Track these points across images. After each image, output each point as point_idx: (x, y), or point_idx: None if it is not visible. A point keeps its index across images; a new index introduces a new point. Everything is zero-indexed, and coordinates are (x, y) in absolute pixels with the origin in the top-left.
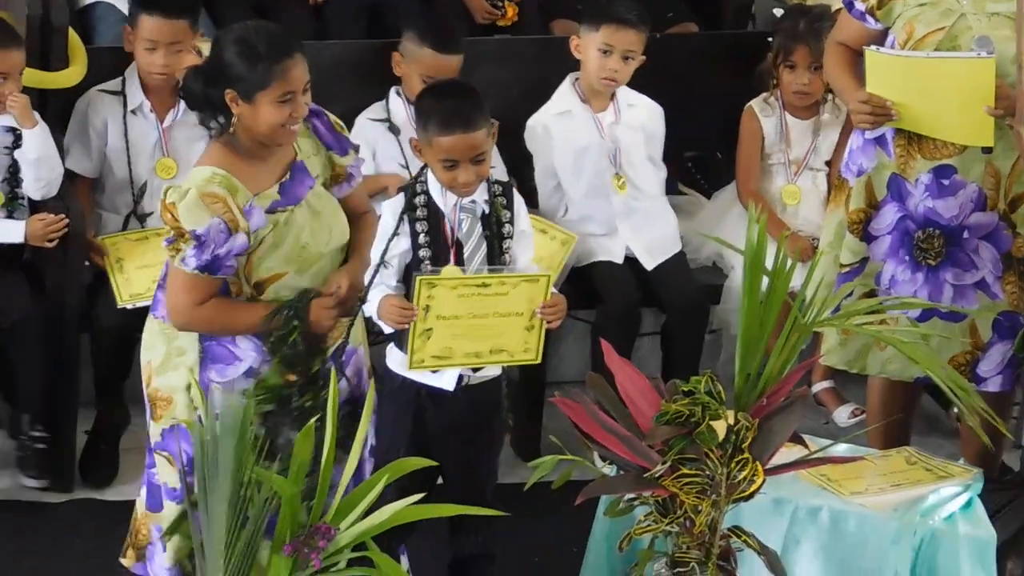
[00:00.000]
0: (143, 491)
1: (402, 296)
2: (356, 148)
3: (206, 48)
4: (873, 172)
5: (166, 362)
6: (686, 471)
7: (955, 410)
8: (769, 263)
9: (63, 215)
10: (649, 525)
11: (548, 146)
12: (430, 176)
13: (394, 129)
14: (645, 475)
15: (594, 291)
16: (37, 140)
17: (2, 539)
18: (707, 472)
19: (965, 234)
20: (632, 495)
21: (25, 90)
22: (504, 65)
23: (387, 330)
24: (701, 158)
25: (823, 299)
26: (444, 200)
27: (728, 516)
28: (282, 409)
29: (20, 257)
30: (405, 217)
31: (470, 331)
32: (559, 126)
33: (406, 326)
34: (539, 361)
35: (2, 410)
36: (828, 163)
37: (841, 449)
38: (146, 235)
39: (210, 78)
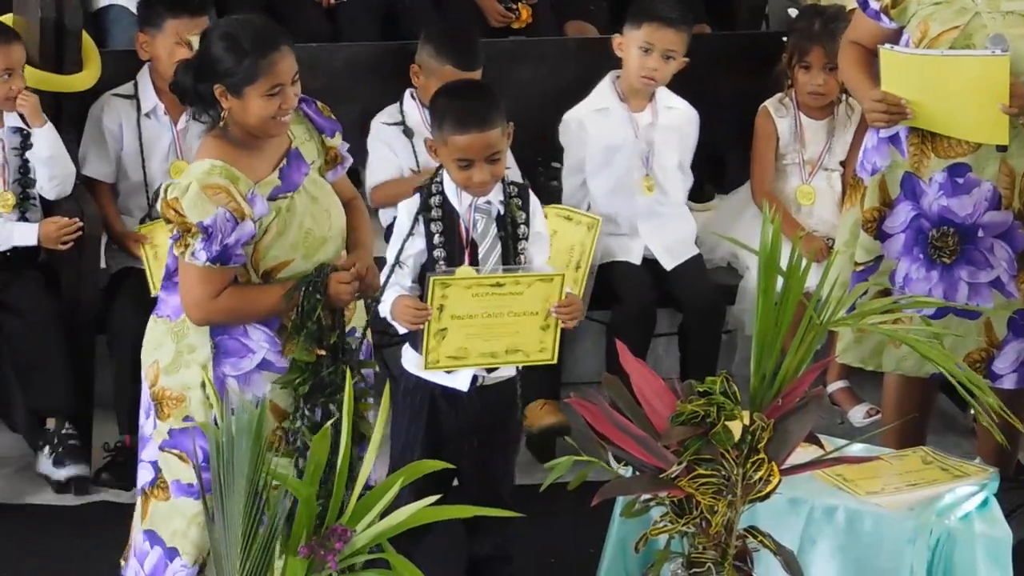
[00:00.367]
0: (139, 497)
1: (416, 296)
2: (340, 131)
3: (196, 42)
4: (887, 171)
5: (176, 360)
6: (702, 472)
7: (971, 410)
8: (784, 263)
9: (77, 218)
10: (665, 526)
11: (581, 141)
12: (446, 177)
13: (408, 132)
14: (661, 476)
15: (610, 291)
16: (48, 138)
17: (20, 541)
18: (723, 472)
19: (980, 232)
20: (648, 496)
21: (39, 93)
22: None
23: (402, 330)
24: (715, 158)
25: (838, 298)
26: (459, 201)
27: (744, 516)
28: (319, 384)
29: (36, 258)
30: (420, 217)
31: (485, 331)
32: (595, 122)
33: (420, 326)
34: (555, 361)
35: (20, 415)
36: (843, 163)
37: (857, 449)
38: None
39: (199, 73)
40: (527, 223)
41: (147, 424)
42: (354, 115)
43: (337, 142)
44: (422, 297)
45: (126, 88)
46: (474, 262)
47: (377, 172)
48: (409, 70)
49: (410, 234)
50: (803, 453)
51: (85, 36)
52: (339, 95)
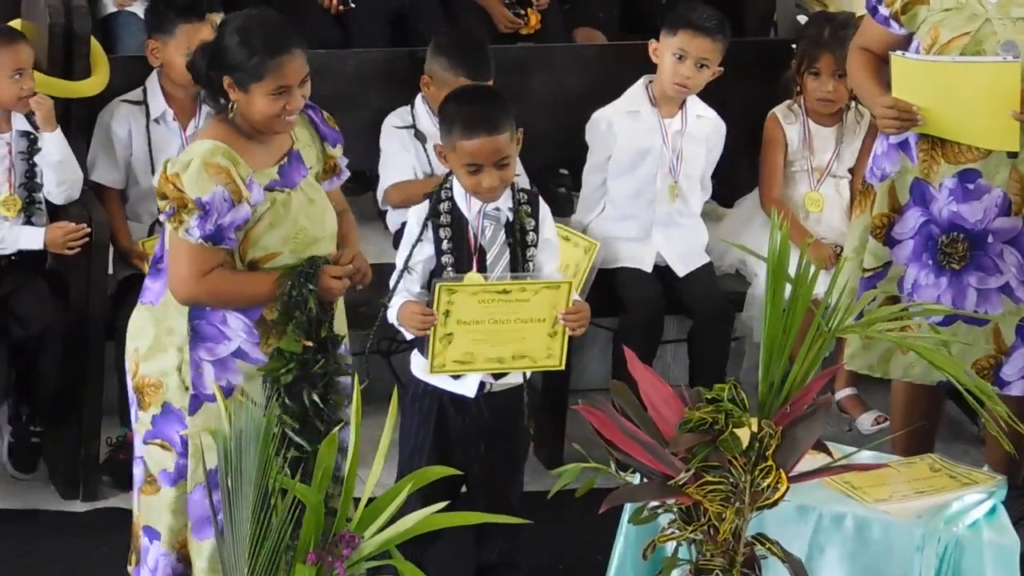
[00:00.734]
0: (134, 494)
1: (423, 303)
2: (342, 144)
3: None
4: (896, 177)
5: (155, 345)
6: (710, 479)
7: (980, 419)
8: (792, 270)
9: (84, 223)
10: (673, 533)
11: (608, 142)
12: (455, 183)
13: (420, 136)
14: (669, 483)
15: (618, 298)
16: (58, 143)
17: (26, 547)
18: (731, 480)
19: (990, 239)
20: (656, 503)
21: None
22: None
23: (409, 336)
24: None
25: (846, 305)
26: (468, 207)
27: (752, 524)
28: (304, 375)
29: (42, 263)
30: (429, 223)
31: (492, 337)
32: (624, 124)
33: (426, 332)
34: (563, 368)
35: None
36: (851, 170)
37: (865, 456)
38: None
39: (212, 60)
40: (536, 230)
41: (135, 422)
42: (364, 121)
43: (338, 153)
44: (430, 303)
45: (135, 94)
46: (482, 269)
47: (391, 172)
48: (420, 78)
49: (419, 240)
50: (811, 460)
51: (93, 42)
52: (349, 102)
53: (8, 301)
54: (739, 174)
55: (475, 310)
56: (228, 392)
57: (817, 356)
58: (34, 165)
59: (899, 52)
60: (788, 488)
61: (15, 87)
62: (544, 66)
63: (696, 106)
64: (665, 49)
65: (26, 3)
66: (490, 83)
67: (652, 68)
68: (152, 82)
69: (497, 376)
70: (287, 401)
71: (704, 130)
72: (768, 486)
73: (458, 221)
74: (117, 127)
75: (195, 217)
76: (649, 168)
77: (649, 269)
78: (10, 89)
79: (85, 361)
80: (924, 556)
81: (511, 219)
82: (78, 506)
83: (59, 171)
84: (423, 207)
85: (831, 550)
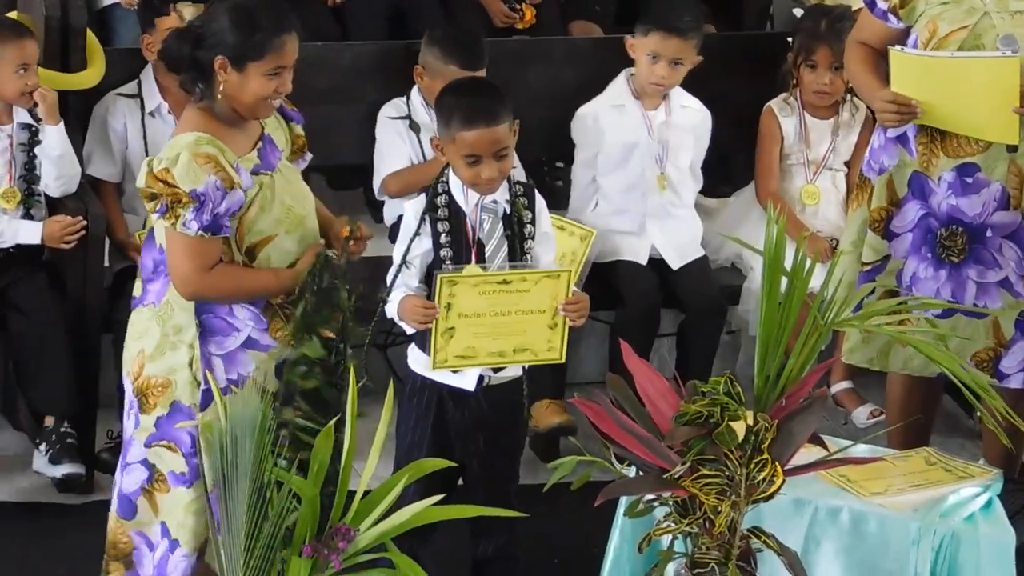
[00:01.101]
0: (113, 501)
1: (423, 296)
2: (303, 123)
3: (188, 12)
4: (894, 170)
5: (162, 344)
6: (705, 472)
7: (977, 413)
8: (788, 264)
9: (81, 217)
10: (669, 526)
11: (596, 137)
12: (452, 176)
13: (414, 127)
14: (665, 476)
15: (614, 291)
16: (59, 136)
17: (23, 540)
18: (727, 473)
19: (989, 232)
20: (652, 496)
21: None
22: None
23: (409, 331)
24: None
25: (842, 299)
26: (466, 200)
27: (748, 517)
28: (327, 370)
29: (40, 256)
30: (426, 217)
31: (493, 329)
32: (610, 118)
33: (428, 326)
34: (563, 360)
35: (24, 413)
36: (847, 163)
37: (861, 450)
38: None
39: (200, 42)
40: (533, 223)
41: (128, 425)
42: (360, 114)
43: (301, 131)
44: (429, 297)
45: (130, 87)
46: (480, 261)
47: (387, 162)
48: (413, 70)
49: (416, 234)
50: (807, 454)
51: (89, 34)
52: (345, 94)
53: (6, 293)
54: (735, 167)
55: (476, 302)
56: (240, 383)
57: (813, 350)
58: (34, 157)
59: (898, 47)
60: (784, 481)
61: (19, 82)
62: (540, 59)
63: (680, 96)
64: (639, 48)
65: None
66: (483, 72)
67: None
68: (147, 75)
69: (496, 369)
70: (302, 402)
71: (690, 120)
72: (764, 479)
73: (456, 214)
74: (113, 121)
75: (191, 210)
76: (638, 161)
77: (644, 262)
78: (14, 84)
79: (82, 353)
80: (920, 550)
81: (508, 212)
82: (74, 499)
83: (59, 165)
84: (420, 201)
85: (827, 543)
